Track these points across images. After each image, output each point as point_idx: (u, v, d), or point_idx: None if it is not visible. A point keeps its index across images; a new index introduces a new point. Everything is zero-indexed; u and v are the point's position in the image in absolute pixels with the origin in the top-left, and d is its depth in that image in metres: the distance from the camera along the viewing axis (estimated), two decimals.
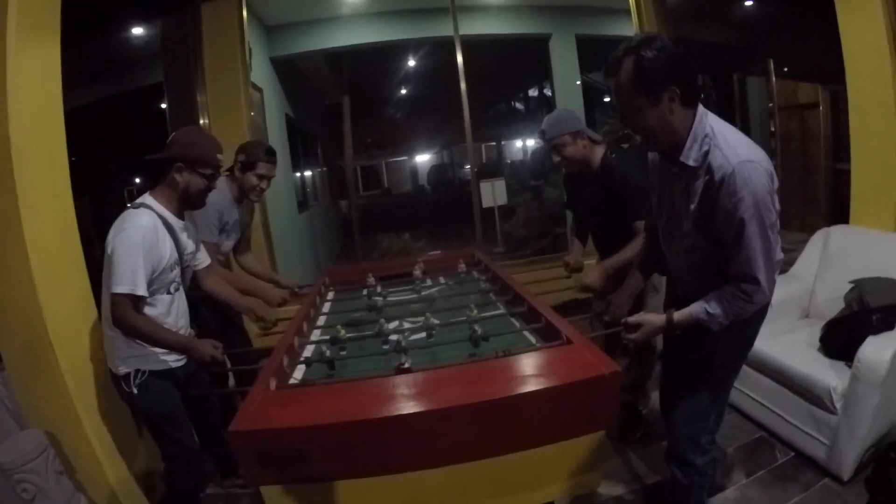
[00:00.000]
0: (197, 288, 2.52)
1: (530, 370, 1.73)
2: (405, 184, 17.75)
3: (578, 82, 6.53)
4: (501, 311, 2.54)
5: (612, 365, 1.60)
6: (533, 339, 2.15)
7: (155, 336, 2.08)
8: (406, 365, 1.87)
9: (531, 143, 12.07)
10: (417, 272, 3.34)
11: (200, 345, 2.15)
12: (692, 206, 1.71)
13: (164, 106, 4.79)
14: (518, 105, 12.41)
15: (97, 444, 2.39)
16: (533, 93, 10.75)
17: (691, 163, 1.66)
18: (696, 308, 1.74)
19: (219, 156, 2.24)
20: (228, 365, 2.76)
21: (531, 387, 1.60)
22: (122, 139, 6.80)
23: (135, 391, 2.16)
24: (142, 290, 2.02)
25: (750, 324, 1.86)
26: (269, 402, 1.68)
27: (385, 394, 1.65)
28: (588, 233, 3.09)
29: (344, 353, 2.22)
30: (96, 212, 5.31)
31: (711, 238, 1.71)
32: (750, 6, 7.34)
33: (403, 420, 1.51)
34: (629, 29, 5.45)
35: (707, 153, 1.63)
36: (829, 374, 2.45)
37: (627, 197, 2.53)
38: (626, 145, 2.86)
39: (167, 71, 4.82)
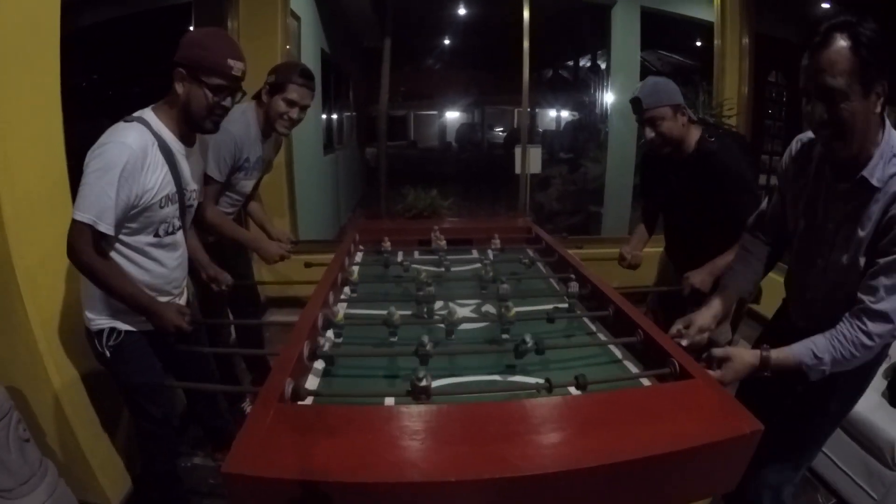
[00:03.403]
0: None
1: (648, 421, 1.20)
2: (432, 138, 17.34)
3: (638, 57, 5.98)
4: (567, 305, 2.07)
5: (753, 420, 1.17)
6: (619, 354, 1.69)
7: (110, 282, 1.66)
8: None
9: (565, 114, 11.62)
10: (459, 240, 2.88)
11: (164, 309, 1.76)
12: (861, 234, 1.42)
13: (191, 29, 4.32)
14: (563, 73, 11.76)
15: (69, 406, 2.06)
16: (583, 63, 10.11)
17: (875, 182, 1.38)
18: (800, 349, 1.44)
19: (233, 62, 1.72)
20: (203, 329, 2.26)
21: (657, 448, 1.09)
22: (145, 61, 6.36)
23: (107, 353, 1.79)
24: (105, 226, 1.58)
25: (873, 365, 1.60)
26: (282, 426, 1.13)
27: (458, 431, 1.13)
28: (656, 222, 2.71)
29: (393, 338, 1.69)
30: None
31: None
32: (827, 8, 6.73)
33: (490, 486, 1.02)
34: (702, 10, 5.05)
35: (895, 175, 1.36)
36: (893, 426, 2.22)
37: (733, 193, 2.18)
38: (722, 130, 2.42)
39: None
